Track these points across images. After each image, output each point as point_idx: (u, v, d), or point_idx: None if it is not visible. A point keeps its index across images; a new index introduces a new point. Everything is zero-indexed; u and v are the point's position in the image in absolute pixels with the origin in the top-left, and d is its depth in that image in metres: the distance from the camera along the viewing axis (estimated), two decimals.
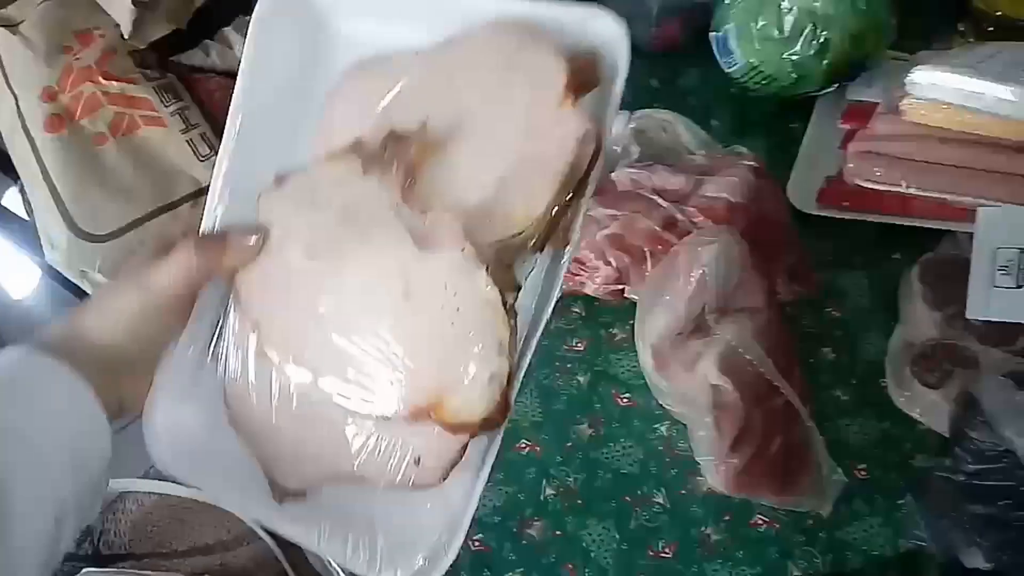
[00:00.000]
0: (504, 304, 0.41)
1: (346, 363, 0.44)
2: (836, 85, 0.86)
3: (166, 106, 0.89)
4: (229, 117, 0.50)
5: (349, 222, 0.45)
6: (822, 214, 0.79)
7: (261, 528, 0.68)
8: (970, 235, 0.70)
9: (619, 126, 0.82)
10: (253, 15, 0.50)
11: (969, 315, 0.67)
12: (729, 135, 0.89)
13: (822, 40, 0.81)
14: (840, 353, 0.71)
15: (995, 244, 0.68)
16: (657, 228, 0.70)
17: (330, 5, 0.50)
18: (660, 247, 0.71)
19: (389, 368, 0.43)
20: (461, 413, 0.42)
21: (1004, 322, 0.66)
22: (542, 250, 0.44)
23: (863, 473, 0.65)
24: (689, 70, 0.96)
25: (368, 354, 0.44)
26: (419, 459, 0.43)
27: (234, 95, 0.50)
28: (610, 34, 0.45)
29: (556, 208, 0.43)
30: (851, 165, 0.75)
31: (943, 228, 0.74)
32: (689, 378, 0.62)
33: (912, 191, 0.72)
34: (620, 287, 0.71)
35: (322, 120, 0.50)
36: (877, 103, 0.82)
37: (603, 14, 0.45)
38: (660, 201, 0.73)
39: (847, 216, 0.78)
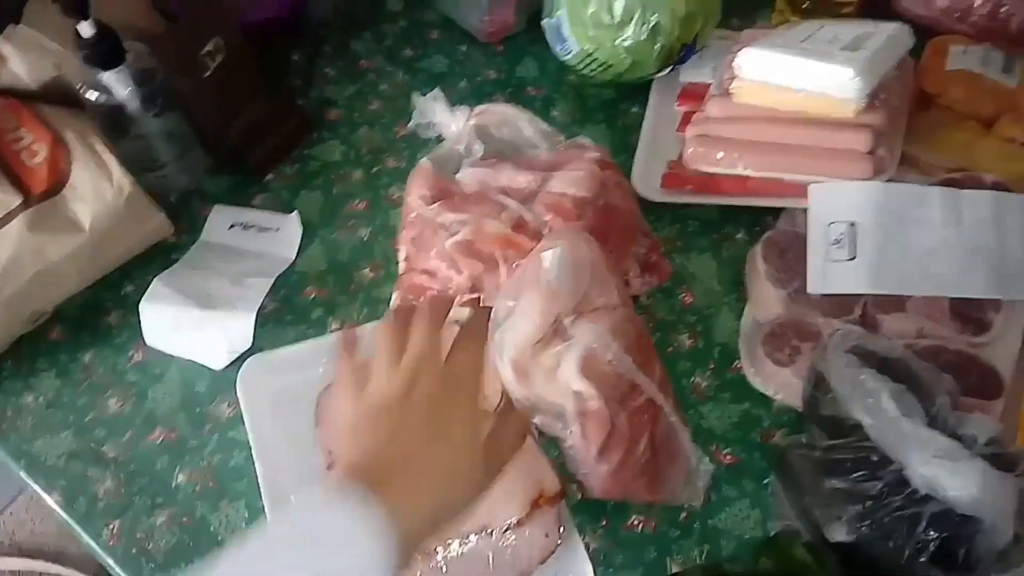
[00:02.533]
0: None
1: None
2: (670, 68, 0.86)
3: None
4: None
5: None
6: (666, 200, 0.79)
7: None
8: (806, 210, 0.72)
9: (459, 123, 0.78)
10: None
11: (810, 290, 0.70)
12: (571, 125, 0.88)
13: (652, 24, 0.80)
14: (696, 339, 0.72)
15: (827, 219, 0.71)
16: (508, 231, 0.68)
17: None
18: (512, 250, 0.68)
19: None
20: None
21: (842, 294, 0.70)
22: None
23: (729, 457, 0.66)
24: (526, 59, 0.94)
25: None
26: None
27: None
28: None
29: None
30: (690, 150, 0.76)
31: (780, 206, 0.77)
32: (552, 388, 0.60)
33: (749, 172, 0.74)
34: (475, 296, 0.69)
35: (324, 436, 0.63)
36: (709, 84, 0.84)
37: None
38: (507, 201, 0.71)
39: (690, 200, 0.79)
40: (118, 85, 0.70)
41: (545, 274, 0.59)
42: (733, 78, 0.74)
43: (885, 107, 0.72)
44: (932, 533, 0.54)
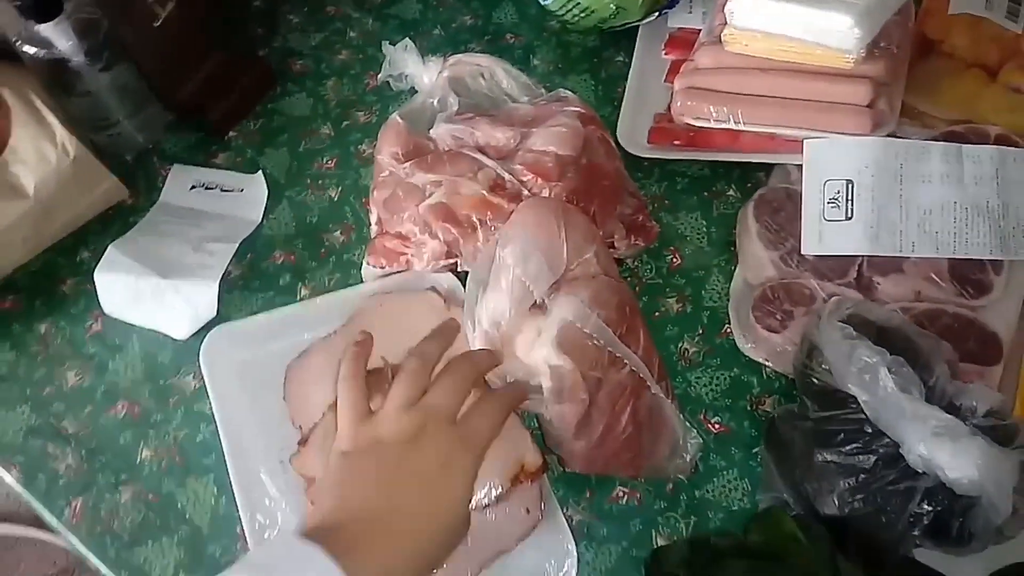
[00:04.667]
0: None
1: None
2: (658, 14, 0.81)
3: None
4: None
5: None
6: (653, 155, 0.75)
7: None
8: (800, 167, 0.69)
9: (432, 74, 0.73)
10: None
11: (804, 251, 0.67)
12: (552, 75, 0.83)
13: None
14: (684, 303, 0.69)
15: (823, 176, 0.67)
16: (484, 193, 0.64)
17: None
18: (490, 213, 0.64)
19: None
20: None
21: (838, 255, 0.66)
22: None
23: (717, 426, 0.63)
24: (504, 3, 0.89)
25: None
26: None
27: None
28: None
29: None
30: (678, 103, 0.71)
31: (773, 162, 0.73)
32: (529, 362, 0.57)
33: (740, 126, 0.70)
34: (452, 261, 0.65)
35: (291, 402, 0.61)
36: (699, 30, 0.79)
37: None
38: (485, 160, 0.66)
39: (679, 156, 0.75)
40: (58, 37, 0.64)
41: (507, 261, 0.56)
42: (724, 25, 0.69)
43: (885, 56, 0.68)
44: (926, 507, 0.52)
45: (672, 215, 0.74)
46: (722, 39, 0.70)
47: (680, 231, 0.73)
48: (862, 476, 0.53)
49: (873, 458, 0.52)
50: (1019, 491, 0.51)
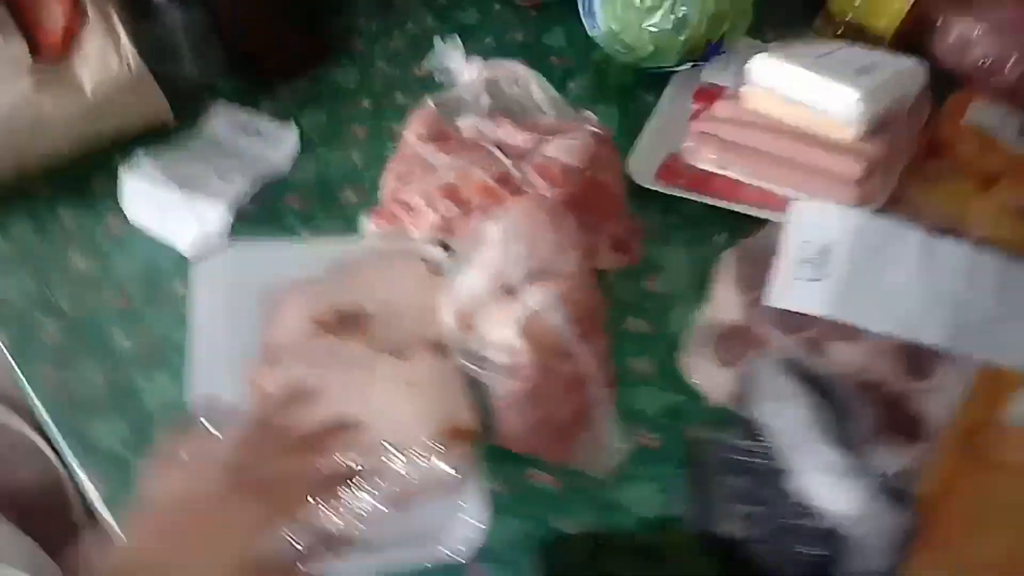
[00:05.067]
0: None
1: None
2: (692, 64, 0.87)
3: None
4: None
5: (343, 365, 0.61)
6: (658, 189, 0.80)
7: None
8: None
9: (472, 73, 0.79)
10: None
11: (770, 302, 0.71)
12: (585, 99, 0.89)
13: (680, 15, 0.81)
14: (650, 325, 0.73)
15: (803, 237, 0.71)
16: (491, 182, 0.69)
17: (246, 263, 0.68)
18: (491, 201, 0.69)
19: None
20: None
21: (800, 313, 0.70)
22: None
23: (650, 441, 0.67)
24: (556, 28, 0.95)
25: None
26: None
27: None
28: None
29: None
30: (689, 144, 0.76)
31: (766, 217, 0.77)
32: (491, 339, 0.62)
33: (739, 176, 0.74)
34: (446, 238, 0.70)
35: (266, 324, 0.65)
36: (727, 87, 0.84)
37: None
38: (499, 155, 0.72)
39: (681, 194, 0.79)
40: None
41: (488, 242, 0.60)
42: (745, 82, 0.74)
43: (888, 142, 0.72)
44: (812, 549, 0.55)
45: (661, 246, 0.78)
46: (740, 93, 0.75)
47: (664, 261, 0.77)
48: (759, 506, 0.56)
49: (772, 490, 0.55)
50: (899, 552, 0.54)
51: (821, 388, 0.58)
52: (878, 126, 0.71)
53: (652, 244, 0.78)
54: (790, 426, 0.53)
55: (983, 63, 0.90)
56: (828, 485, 0.50)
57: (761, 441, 0.56)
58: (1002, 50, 0.89)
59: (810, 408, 0.54)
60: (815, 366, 0.60)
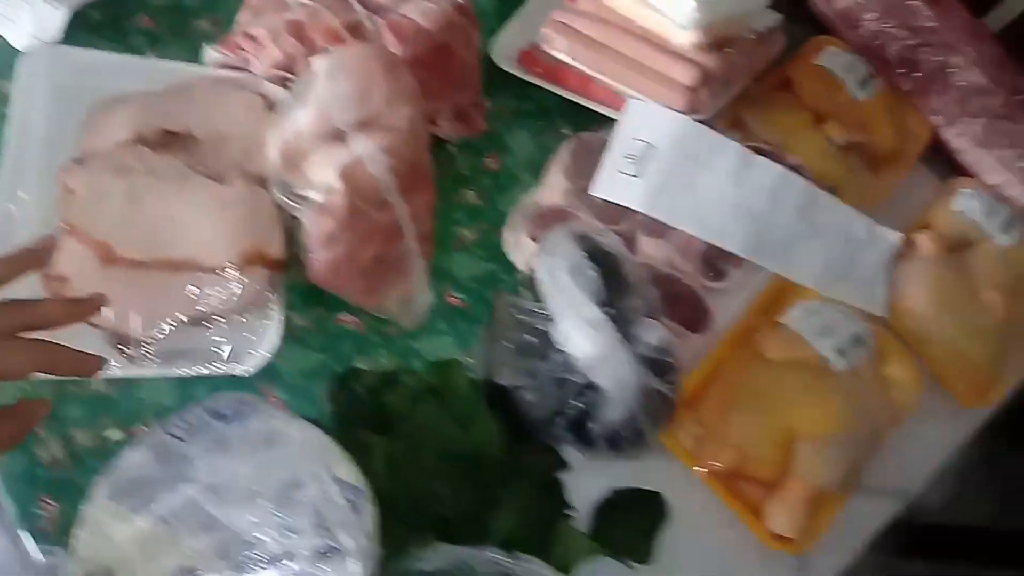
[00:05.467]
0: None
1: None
2: None
3: None
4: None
5: (157, 178, 0.62)
6: (515, 73, 0.82)
7: None
8: None
9: None
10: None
11: (591, 191, 0.75)
12: None
13: None
14: (481, 199, 0.77)
15: (631, 134, 0.75)
16: (339, 27, 0.70)
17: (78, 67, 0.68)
18: (336, 45, 0.70)
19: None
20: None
21: (618, 204, 0.75)
22: None
23: (457, 301, 0.71)
24: None
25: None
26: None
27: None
28: None
29: None
30: (546, 31, 0.78)
31: (611, 116, 0.81)
32: (311, 178, 0.64)
33: (588, 70, 0.77)
34: (286, 76, 0.71)
35: (88, 129, 0.65)
36: None
37: None
38: (356, 5, 0.73)
39: (536, 82, 0.82)
40: None
41: (316, 79, 0.62)
42: None
43: (726, 59, 0.77)
44: (575, 402, 0.61)
45: (507, 127, 0.81)
46: None
47: (507, 143, 0.80)
48: (533, 359, 0.61)
49: (546, 347, 0.61)
50: (647, 413, 0.61)
51: (609, 264, 0.64)
52: (719, 41, 0.75)
53: (502, 125, 0.81)
54: (566, 285, 0.58)
55: (846, 13, 0.95)
56: (576, 328, 0.56)
57: (543, 302, 0.61)
58: (866, 5, 0.95)
59: (588, 274, 0.59)
60: (608, 244, 0.65)
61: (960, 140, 0.93)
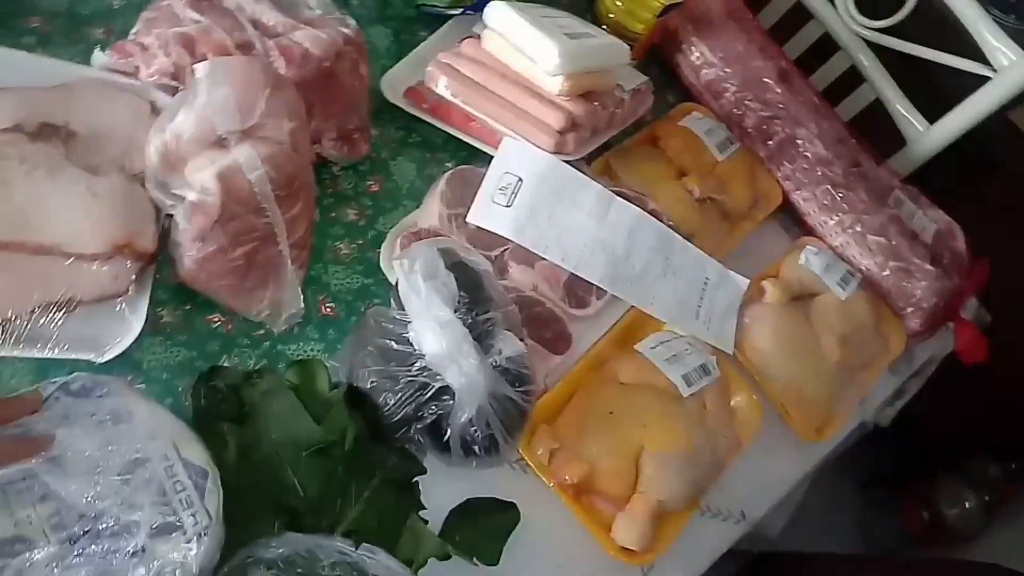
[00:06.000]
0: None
1: None
2: (463, 11, 0.95)
3: None
4: None
5: (30, 165, 0.64)
6: (403, 106, 0.88)
7: None
8: None
9: None
10: None
11: (467, 219, 0.80)
12: (363, 18, 0.94)
13: None
14: (361, 218, 0.81)
15: (504, 168, 0.81)
16: (229, 44, 0.73)
17: None
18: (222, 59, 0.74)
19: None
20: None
21: (491, 232, 0.80)
22: None
23: (329, 311, 0.74)
24: None
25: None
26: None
27: None
28: None
29: None
30: (431, 69, 0.85)
31: (489, 153, 0.87)
32: (190, 179, 0.66)
33: (467, 108, 0.83)
34: (173, 84, 0.73)
35: None
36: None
37: None
38: (248, 27, 0.77)
39: (422, 116, 0.88)
40: None
41: (200, 85, 0.65)
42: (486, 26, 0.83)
43: (593, 110, 0.84)
44: (432, 406, 0.64)
45: (393, 156, 0.86)
46: (481, 35, 0.84)
47: (391, 171, 0.85)
48: (393, 364, 0.64)
49: (406, 353, 0.64)
50: (500, 420, 0.64)
51: (470, 277, 0.68)
52: (587, 92, 0.83)
53: (387, 153, 0.86)
54: (421, 287, 0.62)
55: (710, 85, 1.06)
56: (429, 330, 0.59)
57: (404, 311, 0.65)
58: (727, 79, 1.06)
59: (445, 280, 0.63)
60: (472, 261, 0.70)
61: (806, 204, 1.04)
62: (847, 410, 0.93)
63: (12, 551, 0.46)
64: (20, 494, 0.48)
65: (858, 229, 1.02)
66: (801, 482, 0.92)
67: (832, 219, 1.03)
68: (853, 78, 1.17)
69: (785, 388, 0.89)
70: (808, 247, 0.98)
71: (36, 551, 0.47)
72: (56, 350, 0.60)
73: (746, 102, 1.05)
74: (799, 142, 1.04)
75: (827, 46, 1.19)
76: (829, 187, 1.03)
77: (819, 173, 1.03)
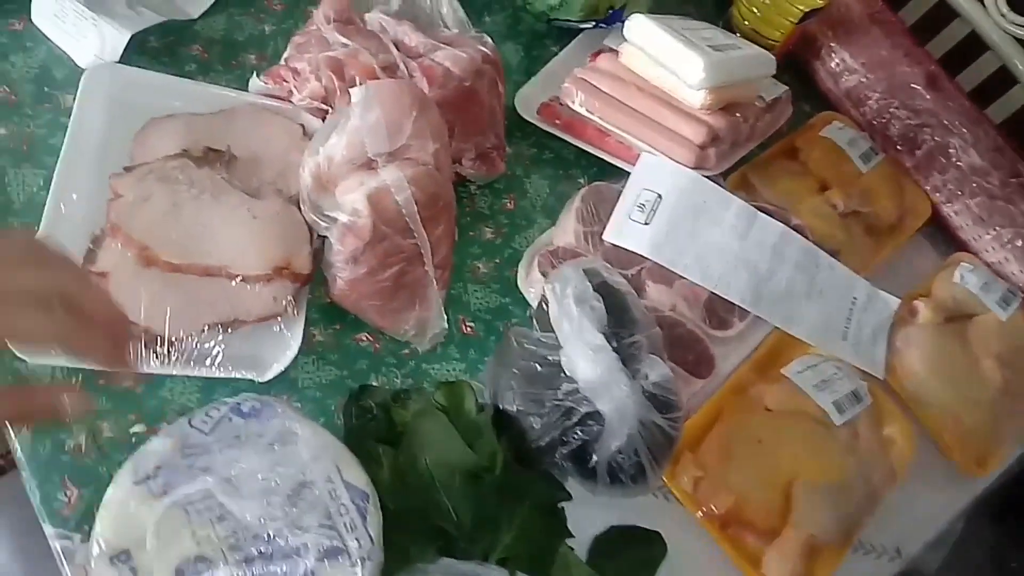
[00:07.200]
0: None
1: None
2: (595, 24, 0.94)
3: None
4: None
5: (198, 189, 0.67)
6: (537, 123, 0.87)
7: None
8: None
9: None
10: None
11: (604, 236, 0.79)
12: (496, 34, 0.93)
13: None
14: (498, 236, 0.81)
15: (642, 185, 0.80)
16: (376, 67, 0.75)
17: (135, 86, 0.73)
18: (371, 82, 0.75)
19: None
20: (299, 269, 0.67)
21: (627, 250, 0.78)
22: None
23: (470, 330, 0.74)
24: None
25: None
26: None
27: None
28: None
29: None
30: (567, 86, 0.84)
31: (624, 168, 0.85)
32: (341, 200, 0.67)
33: (604, 124, 0.82)
34: (325, 108, 0.75)
35: (139, 142, 0.70)
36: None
37: None
38: (392, 49, 0.78)
39: (556, 132, 0.87)
40: None
41: (352, 109, 0.66)
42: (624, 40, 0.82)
43: (734, 122, 0.81)
44: (579, 431, 0.63)
45: (527, 172, 0.86)
46: (619, 49, 0.83)
47: (525, 187, 0.85)
48: (538, 387, 0.63)
49: (551, 376, 0.63)
50: (648, 447, 0.62)
51: (615, 298, 0.67)
52: (727, 105, 0.80)
53: (522, 170, 0.86)
54: (572, 312, 0.61)
55: (852, 93, 1.01)
56: (581, 356, 0.58)
57: (551, 332, 0.64)
58: (870, 86, 1.00)
59: (594, 303, 0.62)
60: (615, 281, 0.68)
61: (959, 217, 0.97)
62: (1010, 440, 0.86)
63: (195, 570, 0.48)
64: (200, 513, 0.50)
65: (1019, 244, 0.95)
66: (957, 518, 0.86)
67: (988, 233, 0.96)
68: (1004, 81, 1.09)
69: (941, 416, 0.83)
70: (963, 263, 0.91)
71: (217, 571, 0.48)
72: (222, 369, 0.62)
73: (891, 109, 0.99)
74: (951, 151, 0.97)
75: (973, 47, 1.11)
76: (985, 198, 0.97)
77: (973, 184, 0.96)
